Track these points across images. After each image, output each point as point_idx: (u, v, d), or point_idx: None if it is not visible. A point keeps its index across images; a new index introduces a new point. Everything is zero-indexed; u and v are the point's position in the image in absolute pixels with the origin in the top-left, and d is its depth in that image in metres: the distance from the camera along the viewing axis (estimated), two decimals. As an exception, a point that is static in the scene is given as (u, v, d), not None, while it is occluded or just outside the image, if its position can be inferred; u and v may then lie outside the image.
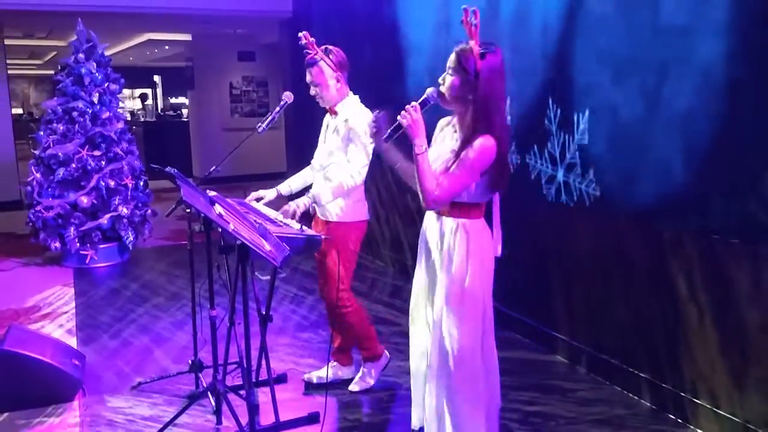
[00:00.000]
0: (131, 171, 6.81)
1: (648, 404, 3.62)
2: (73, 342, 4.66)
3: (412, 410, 2.92)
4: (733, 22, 2.99)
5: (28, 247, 7.29)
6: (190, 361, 3.87)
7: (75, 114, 6.56)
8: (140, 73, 20.84)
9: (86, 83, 6.61)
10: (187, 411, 3.46)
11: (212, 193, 3.09)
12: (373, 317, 5.03)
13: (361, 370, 3.85)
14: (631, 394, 3.73)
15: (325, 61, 3.50)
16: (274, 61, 11.60)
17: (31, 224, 6.72)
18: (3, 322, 5.04)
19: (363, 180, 3.52)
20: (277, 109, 3.60)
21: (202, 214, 3.00)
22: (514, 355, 4.28)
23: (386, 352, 3.90)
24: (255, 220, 3.14)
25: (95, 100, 6.63)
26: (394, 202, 6.24)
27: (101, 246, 6.76)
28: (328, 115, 3.66)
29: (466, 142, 2.49)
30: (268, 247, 2.91)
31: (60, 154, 6.47)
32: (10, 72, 10.89)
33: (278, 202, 3.54)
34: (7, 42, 10.61)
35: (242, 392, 3.28)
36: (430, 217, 2.72)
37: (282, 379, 3.96)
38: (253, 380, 3.42)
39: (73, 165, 6.48)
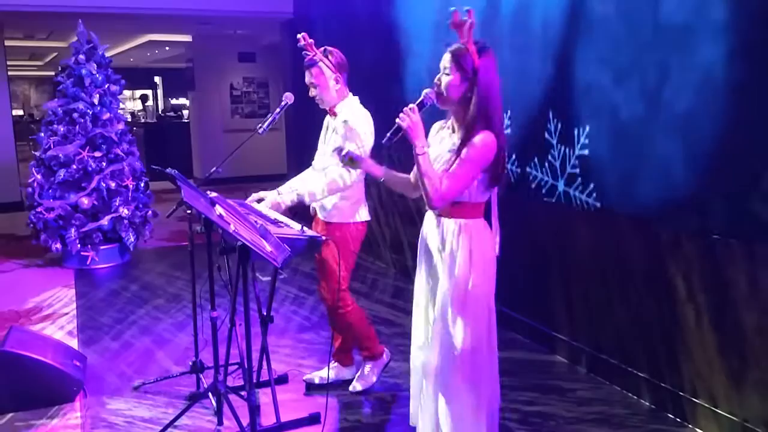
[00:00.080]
0: (132, 172, 6.81)
1: (647, 404, 3.62)
2: (74, 343, 4.66)
3: (410, 406, 2.92)
4: (734, 22, 2.99)
5: (29, 249, 7.30)
6: (191, 362, 3.87)
7: (75, 115, 6.57)
8: (141, 75, 20.86)
9: (87, 84, 6.61)
10: (189, 412, 3.47)
11: (213, 194, 3.09)
12: (375, 318, 5.04)
13: (361, 370, 3.86)
14: (630, 394, 3.73)
15: (324, 62, 3.50)
16: (275, 62, 11.60)
17: (32, 226, 6.73)
18: (4, 323, 5.04)
19: (355, 180, 3.49)
20: (278, 110, 3.59)
21: (203, 215, 3.00)
22: (514, 356, 4.28)
23: (387, 351, 3.90)
24: (255, 221, 3.14)
25: (96, 101, 6.63)
26: (394, 203, 6.24)
27: (102, 247, 6.76)
28: (328, 116, 3.67)
29: (466, 140, 2.49)
30: (268, 247, 2.91)
31: (61, 155, 6.47)
32: (10, 73, 10.89)
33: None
34: (7, 43, 10.61)
35: (243, 393, 3.27)
36: (429, 219, 2.72)
37: (283, 379, 3.96)
38: (254, 381, 3.42)
39: (74, 166, 6.48)
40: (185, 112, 17.64)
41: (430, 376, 2.66)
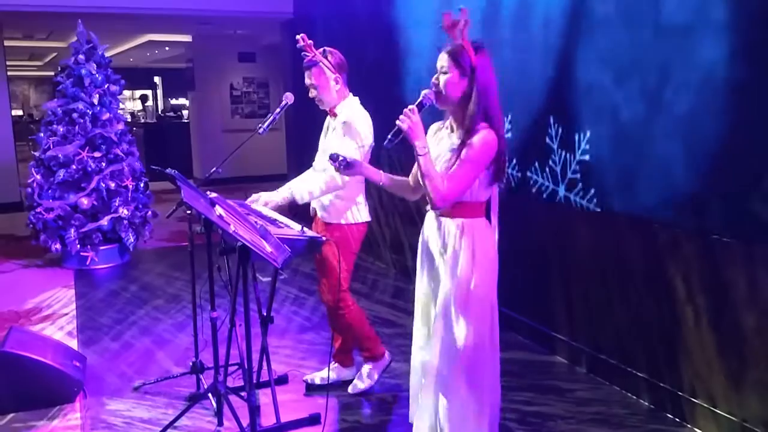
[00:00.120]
0: (132, 172, 6.81)
1: (646, 404, 3.62)
2: (74, 344, 4.65)
3: (410, 405, 2.91)
4: (734, 22, 2.98)
5: (29, 249, 7.30)
6: (191, 363, 3.87)
7: (75, 115, 6.56)
8: (140, 75, 20.86)
9: (86, 84, 6.61)
10: (189, 412, 3.47)
11: (213, 195, 3.08)
12: (375, 318, 5.03)
13: (361, 371, 3.85)
14: (629, 394, 3.73)
15: (323, 63, 3.49)
16: (275, 62, 11.60)
17: (31, 226, 6.72)
18: (4, 323, 5.04)
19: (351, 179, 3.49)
20: (278, 110, 3.59)
21: (203, 216, 2.99)
22: (514, 356, 4.28)
23: (388, 353, 3.89)
24: (255, 222, 3.14)
25: (95, 101, 6.63)
26: (394, 204, 6.24)
27: (102, 247, 6.76)
28: (328, 117, 3.66)
29: (466, 139, 2.49)
30: (268, 248, 2.91)
31: (60, 155, 6.47)
32: (10, 73, 10.89)
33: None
34: (7, 43, 10.61)
35: (243, 393, 3.27)
36: (430, 221, 2.72)
37: (283, 380, 3.96)
38: (254, 381, 3.42)
39: (74, 166, 6.48)
40: (185, 113, 17.64)
41: (430, 375, 2.66)
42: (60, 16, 8.67)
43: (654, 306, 3.52)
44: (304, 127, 8.23)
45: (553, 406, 3.64)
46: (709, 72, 3.10)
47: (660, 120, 3.38)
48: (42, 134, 6.72)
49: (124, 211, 6.63)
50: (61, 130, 6.58)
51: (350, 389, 3.80)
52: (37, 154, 6.77)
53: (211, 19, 9.63)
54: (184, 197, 2.87)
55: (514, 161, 4.53)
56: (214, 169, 3.51)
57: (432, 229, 2.69)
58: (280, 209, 3.54)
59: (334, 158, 2.65)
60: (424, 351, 2.75)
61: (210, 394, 3.49)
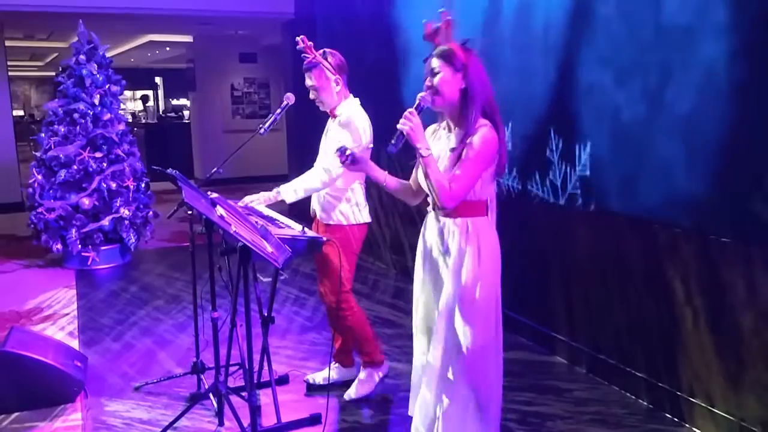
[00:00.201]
0: (133, 173, 6.81)
1: (645, 404, 3.63)
2: (75, 344, 4.66)
3: (410, 399, 2.90)
4: (735, 23, 2.99)
5: (30, 249, 7.30)
6: (192, 363, 3.87)
7: (76, 116, 6.57)
8: (141, 75, 20.87)
9: (87, 85, 6.61)
10: (189, 413, 3.47)
11: (214, 195, 3.09)
12: (376, 318, 5.04)
13: (359, 376, 3.80)
14: (628, 394, 3.74)
15: (323, 65, 3.49)
16: (276, 62, 11.60)
17: (32, 226, 6.73)
18: (5, 323, 5.04)
19: (340, 174, 3.46)
20: (279, 110, 3.59)
21: (204, 216, 3.00)
22: (514, 356, 4.28)
23: (387, 363, 3.85)
24: (256, 222, 3.14)
25: (96, 101, 6.63)
26: (394, 204, 6.24)
27: (103, 248, 6.77)
28: (330, 119, 3.66)
29: (467, 137, 2.50)
30: (269, 248, 2.91)
31: (61, 155, 6.47)
32: (11, 73, 10.90)
33: (280, 204, 3.54)
34: (8, 43, 10.62)
35: (244, 394, 3.28)
36: (431, 223, 2.71)
37: (284, 380, 3.96)
38: (255, 382, 3.42)
39: (75, 167, 6.49)
40: (186, 113, 17.65)
41: (432, 376, 2.65)
42: (61, 17, 8.68)
43: (653, 306, 3.53)
44: (305, 128, 8.23)
45: (553, 406, 3.64)
46: (710, 72, 3.11)
47: (661, 121, 3.39)
48: (43, 134, 6.73)
49: (125, 212, 6.64)
50: (62, 130, 6.59)
51: (346, 396, 3.74)
52: (38, 154, 6.78)
53: (212, 19, 9.63)
54: (185, 197, 2.88)
55: (515, 172, 4.54)
56: (215, 169, 3.51)
57: (433, 232, 2.68)
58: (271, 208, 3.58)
59: (342, 151, 2.62)
60: (425, 355, 2.74)
61: (211, 394, 3.50)
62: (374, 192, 5.93)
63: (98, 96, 6.65)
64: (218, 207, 2.99)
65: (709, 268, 3.19)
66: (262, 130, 3.53)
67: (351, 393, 3.74)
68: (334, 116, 3.59)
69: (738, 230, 3.03)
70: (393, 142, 2.46)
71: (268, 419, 3.47)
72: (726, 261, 3.10)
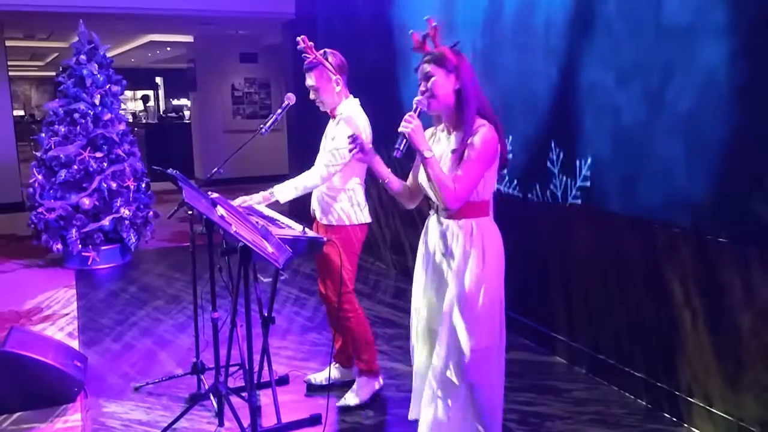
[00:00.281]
0: (133, 173, 6.81)
1: (644, 403, 3.64)
2: (75, 344, 4.65)
3: (411, 403, 2.89)
4: (736, 23, 2.98)
5: (30, 249, 7.30)
6: (192, 363, 3.86)
7: (76, 116, 6.57)
8: (142, 75, 20.88)
9: (88, 85, 6.61)
10: (189, 413, 3.47)
11: (214, 195, 3.08)
12: (377, 318, 5.04)
13: (355, 385, 3.73)
14: (627, 394, 3.74)
15: (324, 65, 3.49)
16: (277, 62, 11.60)
17: (32, 226, 6.73)
18: (4, 323, 5.04)
19: (332, 173, 3.47)
20: (280, 110, 3.59)
21: (204, 216, 2.99)
22: (515, 357, 4.27)
23: (381, 377, 3.80)
24: (257, 222, 3.14)
25: (97, 101, 6.63)
26: (394, 204, 6.23)
27: (103, 248, 6.77)
28: (330, 119, 3.65)
29: (467, 137, 2.50)
30: (270, 248, 2.91)
31: (62, 155, 6.47)
32: (11, 73, 10.90)
33: (280, 204, 3.53)
34: (8, 43, 10.63)
35: (244, 394, 3.27)
36: (432, 226, 2.71)
37: (284, 380, 3.96)
38: (255, 382, 3.42)
39: (75, 167, 6.48)
40: (186, 113, 17.66)
41: (435, 378, 2.64)
42: (61, 16, 8.68)
43: (653, 307, 3.52)
44: (306, 128, 8.23)
45: (552, 407, 3.64)
46: (711, 73, 3.10)
47: (661, 121, 3.38)
48: (43, 134, 6.72)
49: (125, 212, 6.64)
50: (63, 130, 6.58)
51: (340, 403, 3.66)
52: (38, 154, 6.78)
53: (212, 19, 9.63)
54: (186, 198, 2.87)
55: (515, 182, 4.54)
56: (215, 169, 3.51)
57: (435, 235, 2.67)
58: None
59: (354, 138, 2.60)
60: (428, 359, 2.73)
61: (211, 395, 3.49)
62: (374, 192, 5.93)
63: (99, 96, 6.65)
64: (219, 207, 2.98)
65: (708, 268, 3.19)
66: (263, 130, 3.52)
67: (345, 401, 3.67)
68: (334, 116, 3.59)
69: (738, 231, 3.03)
70: (397, 146, 2.46)
71: (268, 420, 3.46)
72: (725, 262, 3.10)
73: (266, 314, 3.46)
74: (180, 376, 4.02)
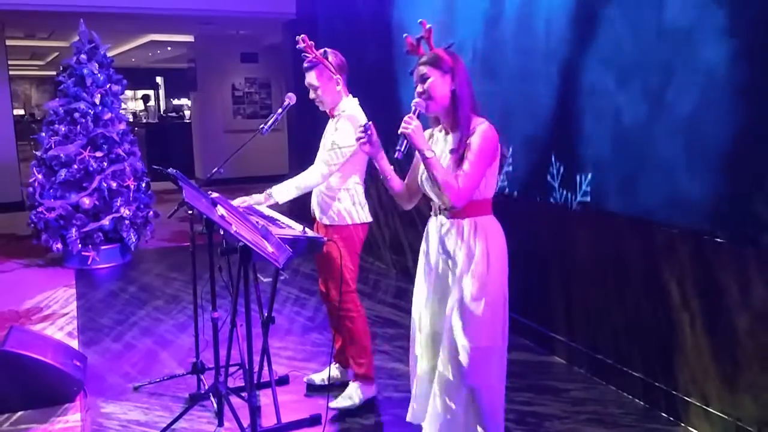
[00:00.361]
0: (133, 172, 6.81)
1: (642, 403, 3.64)
2: (74, 344, 4.65)
3: (410, 405, 2.88)
4: (736, 24, 2.98)
5: (30, 249, 7.30)
6: (192, 363, 3.86)
7: (77, 115, 6.56)
8: (143, 75, 20.89)
9: (88, 84, 6.61)
10: (188, 414, 3.47)
11: (214, 195, 3.08)
12: (377, 318, 5.04)
13: (348, 388, 3.69)
14: (625, 394, 3.74)
15: (324, 64, 3.48)
16: (277, 62, 11.60)
17: (32, 225, 6.72)
18: (4, 323, 5.04)
19: (326, 174, 3.46)
20: (280, 110, 3.58)
21: (204, 216, 2.99)
22: (514, 357, 4.26)
23: (376, 386, 3.76)
24: (257, 222, 3.14)
25: (97, 101, 6.63)
26: (394, 204, 6.21)
27: (103, 247, 6.76)
28: (330, 119, 3.65)
29: (466, 136, 2.50)
30: (270, 248, 2.91)
31: (62, 155, 6.47)
32: (11, 73, 10.90)
33: (279, 204, 3.53)
34: (8, 43, 10.62)
35: (244, 394, 3.27)
36: (434, 229, 2.70)
37: (284, 380, 3.95)
38: (255, 382, 3.41)
39: (75, 166, 6.48)
40: (187, 113, 17.66)
41: (440, 381, 2.63)
42: (62, 16, 8.68)
43: (651, 307, 3.52)
44: (306, 128, 8.22)
45: (551, 406, 3.64)
46: (711, 74, 3.10)
47: (662, 122, 3.38)
48: (43, 134, 6.72)
49: (125, 211, 6.64)
50: (63, 129, 6.58)
51: (333, 404, 3.62)
52: (38, 153, 6.78)
53: (213, 19, 9.63)
54: (186, 197, 2.87)
55: (516, 194, 4.54)
56: (215, 169, 3.50)
57: (436, 238, 2.67)
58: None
59: (366, 127, 2.59)
60: (431, 362, 2.72)
61: (211, 395, 3.49)
62: (374, 192, 5.93)
63: (99, 95, 6.65)
64: (219, 207, 2.98)
65: (708, 269, 3.19)
66: (263, 130, 3.52)
67: (338, 403, 3.63)
68: (333, 116, 3.58)
69: (738, 232, 3.03)
70: (398, 147, 2.45)
71: (267, 420, 3.46)
72: (725, 262, 3.10)
73: (266, 314, 3.46)
74: (180, 375, 4.02)
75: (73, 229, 6.49)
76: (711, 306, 3.19)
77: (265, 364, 3.62)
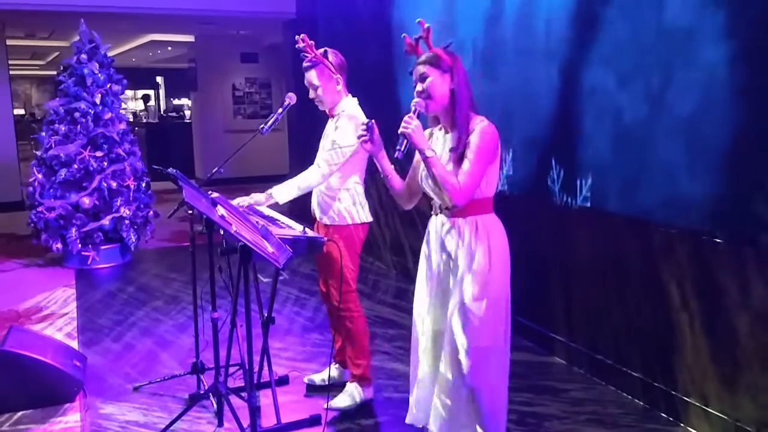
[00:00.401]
0: (133, 172, 6.81)
1: (641, 403, 3.64)
2: (74, 344, 4.65)
3: (409, 408, 2.88)
4: (737, 25, 2.98)
5: (30, 248, 7.30)
6: (191, 363, 3.86)
7: (77, 115, 6.56)
8: (143, 74, 20.89)
9: (88, 84, 6.61)
10: (188, 414, 3.46)
11: (214, 195, 3.08)
12: (377, 319, 5.03)
13: (346, 389, 3.68)
14: (625, 394, 3.74)
15: (324, 64, 3.48)
16: (277, 62, 11.60)
17: (32, 225, 6.72)
18: (4, 323, 5.03)
19: (325, 173, 3.45)
20: (281, 110, 3.58)
21: (204, 216, 2.99)
22: (514, 357, 4.21)
23: (372, 389, 3.75)
24: (257, 222, 3.13)
25: (97, 101, 6.63)
26: (394, 204, 6.21)
27: (103, 247, 6.76)
28: (330, 119, 3.65)
29: (466, 135, 2.50)
30: (270, 248, 2.91)
31: (62, 154, 6.47)
32: (12, 72, 10.90)
33: (279, 205, 3.52)
34: (9, 42, 10.62)
35: (244, 394, 3.27)
36: (434, 228, 2.70)
37: (284, 381, 3.95)
38: (255, 382, 3.41)
39: (75, 166, 6.48)
40: (187, 113, 17.65)
41: (441, 380, 2.63)
42: (62, 15, 8.68)
43: (651, 308, 3.52)
44: (307, 128, 8.22)
45: (550, 407, 3.64)
46: (711, 74, 3.10)
47: (662, 122, 3.38)
48: (44, 133, 6.72)
49: (125, 211, 6.63)
50: (63, 129, 6.58)
51: (329, 404, 3.59)
52: (38, 153, 6.78)
53: (213, 19, 9.63)
54: (186, 197, 2.87)
55: (515, 197, 4.54)
56: (216, 169, 3.50)
57: (437, 239, 2.67)
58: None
59: (369, 126, 2.59)
60: (435, 363, 2.72)
61: (210, 395, 3.49)
62: (374, 192, 5.93)
63: (99, 95, 6.65)
64: (219, 207, 2.98)
65: (707, 269, 3.19)
66: (263, 130, 3.52)
67: (336, 404, 3.62)
68: (333, 115, 3.58)
69: (737, 232, 3.03)
70: (398, 147, 2.45)
71: (267, 420, 3.46)
72: (724, 262, 3.10)
73: (266, 314, 3.46)
74: (180, 375, 4.02)
75: (73, 229, 6.49)
76: (710, 306, 3.19)
77: (265, 364, 3.62)
